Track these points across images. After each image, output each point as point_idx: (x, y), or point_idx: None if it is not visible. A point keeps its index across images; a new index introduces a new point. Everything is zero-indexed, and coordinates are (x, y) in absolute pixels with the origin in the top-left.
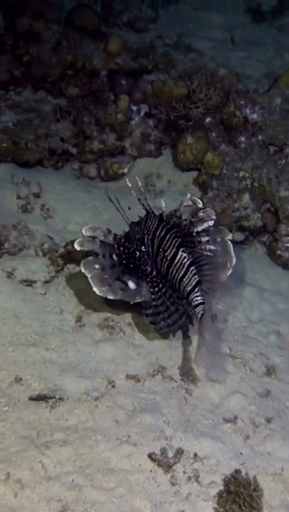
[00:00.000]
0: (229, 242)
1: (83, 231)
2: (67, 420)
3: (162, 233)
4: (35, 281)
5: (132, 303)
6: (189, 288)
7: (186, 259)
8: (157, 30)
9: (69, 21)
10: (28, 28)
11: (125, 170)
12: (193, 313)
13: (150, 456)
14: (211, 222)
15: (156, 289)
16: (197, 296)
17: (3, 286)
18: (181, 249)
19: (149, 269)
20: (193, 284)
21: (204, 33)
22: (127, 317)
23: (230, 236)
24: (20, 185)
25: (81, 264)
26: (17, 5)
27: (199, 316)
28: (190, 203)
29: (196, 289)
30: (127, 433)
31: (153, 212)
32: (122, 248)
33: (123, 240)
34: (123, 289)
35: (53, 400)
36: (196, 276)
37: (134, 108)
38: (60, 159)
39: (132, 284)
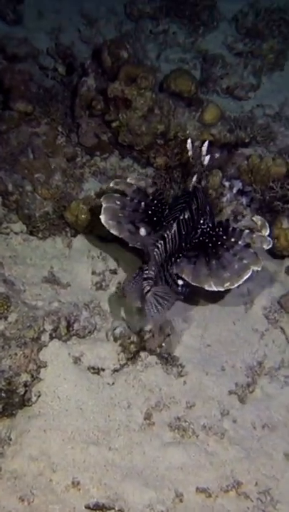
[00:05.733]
0: (250, 272)
1: (128, 179)
2: None
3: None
4: (103, 369)
5: (130, 245)
6: (147, 258)
7: (165, 231)
8: (258, 98)
9: (164, 86)
10: (119, 94)
11: None
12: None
13: None
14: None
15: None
16: (146, 269)
17: (68, 373)
18: (174, 223)
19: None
20: (150, 256)
21: None
22: (202, 419)
23: (259, 267)
24: (96, 259)
25: (102, 197)
26: (111, 69)
27: (144, 291)
28: (259, 222)
29: (149, 263)
30: None
31: (197, 187)
32: (156, 201)
33: (161, 197)
34: (131, 232)
35: (112, 511)
36: (156, 252)
37: (227, 184)
38: None
39: (143, 231)
